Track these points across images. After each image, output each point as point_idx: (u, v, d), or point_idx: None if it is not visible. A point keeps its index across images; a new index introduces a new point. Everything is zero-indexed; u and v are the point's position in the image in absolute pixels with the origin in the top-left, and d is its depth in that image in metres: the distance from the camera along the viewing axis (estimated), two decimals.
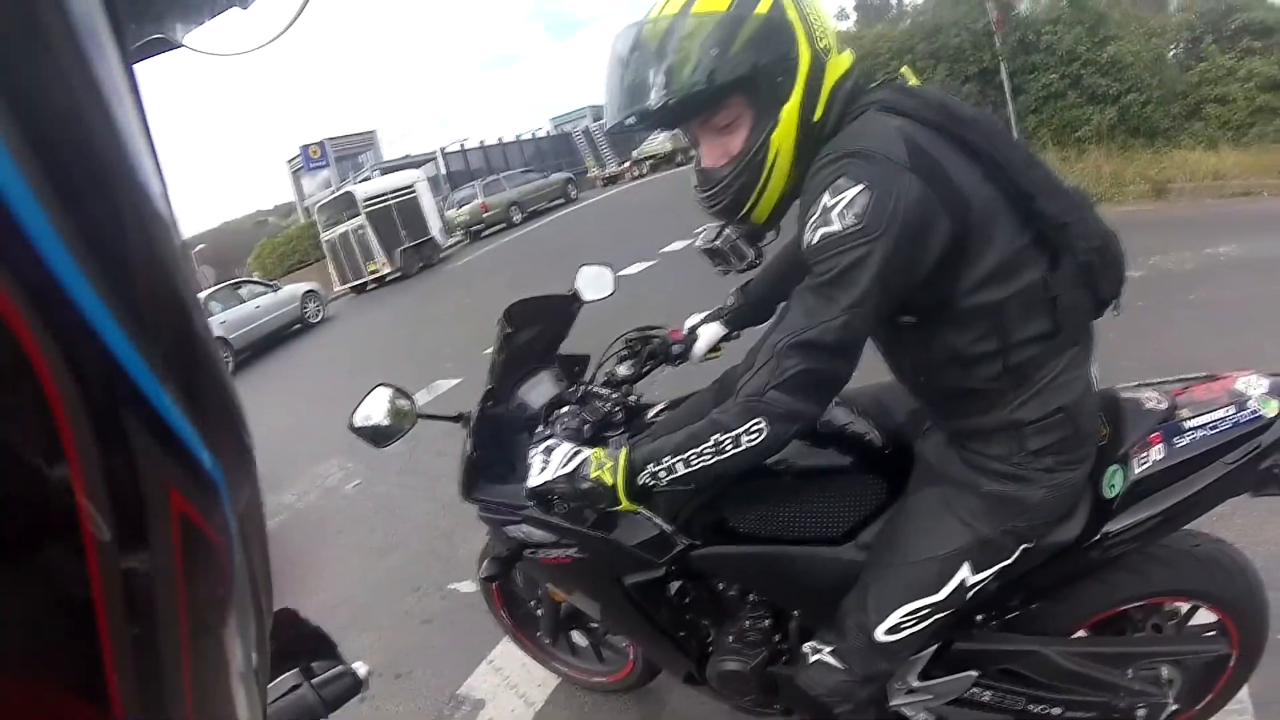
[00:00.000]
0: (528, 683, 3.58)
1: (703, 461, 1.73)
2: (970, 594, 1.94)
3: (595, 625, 3.11)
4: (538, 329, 2.58)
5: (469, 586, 4.49)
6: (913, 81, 1.86)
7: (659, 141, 35.52)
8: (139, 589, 0.33)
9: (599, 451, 1.92)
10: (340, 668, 1.21)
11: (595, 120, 43.81)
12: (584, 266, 2.74)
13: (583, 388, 2.51)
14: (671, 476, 1.78)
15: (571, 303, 2.66)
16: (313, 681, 1.17)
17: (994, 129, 1.73)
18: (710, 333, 2.68)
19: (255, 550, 0.46)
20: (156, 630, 0.35)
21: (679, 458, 1.75)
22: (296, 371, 15.68)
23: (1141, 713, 2.24)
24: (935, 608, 1.93)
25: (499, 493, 2.47)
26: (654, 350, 2.64)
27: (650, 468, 1.79)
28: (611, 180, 37.80)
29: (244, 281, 21.79)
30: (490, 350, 2.46)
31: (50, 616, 0.30)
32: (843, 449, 2.25)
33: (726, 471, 1.74)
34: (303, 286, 21.60)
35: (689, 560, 2.24)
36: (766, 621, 2.32)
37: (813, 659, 2.07)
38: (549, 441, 2.06)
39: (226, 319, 18.86)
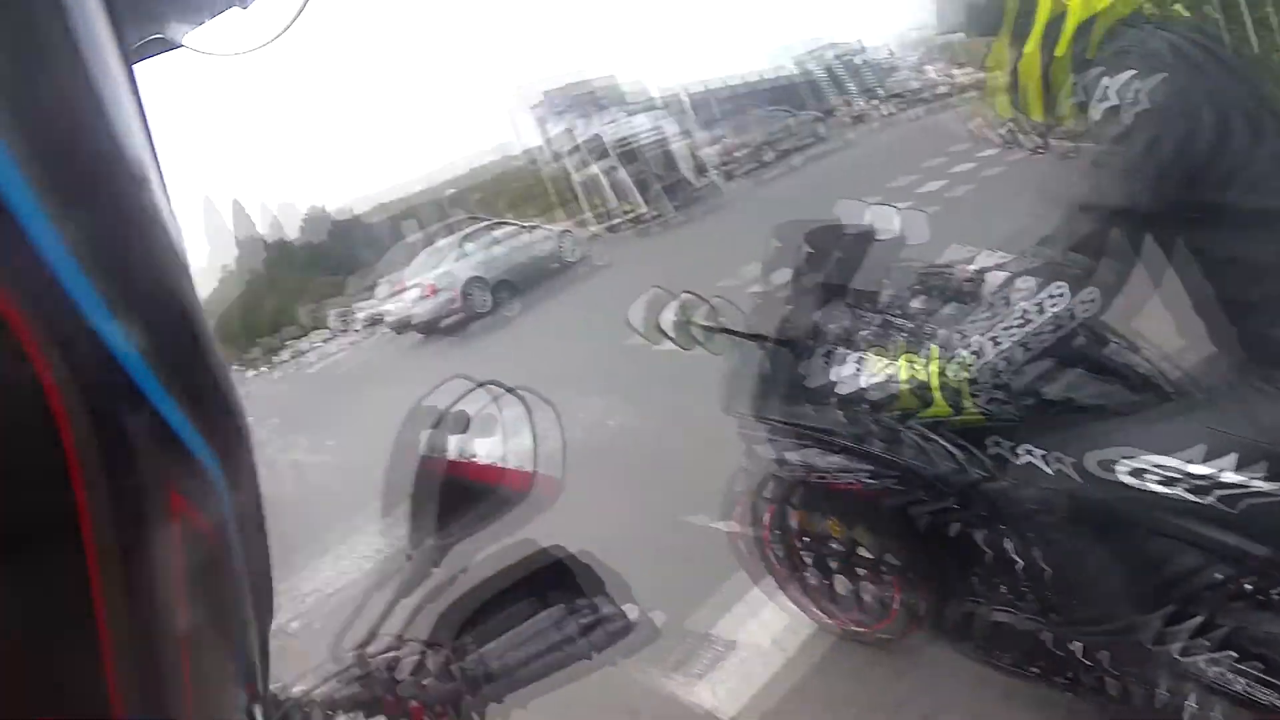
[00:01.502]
0: (782, 626, 3.54)
1: (1010, 336, 1.82)
2: (1221, 493, 1.86)
3: (861, 571, 3.06)
4: (835, 256, 2.59)
5: (731, 525, 4.38)
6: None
7: (901, 78, 34.51)
8: (139, 589, 0.33)
9: (910, 355, 2.02)
10: (611, 609, 1.22)
11: (838, 56, 42.61)
12: (873, 205, 2.74)
13: (880, 317, 2.49)
14: (982, 360, 1.87)
15: (867, 238, 2.65)
16: (584, 623, 1.19)
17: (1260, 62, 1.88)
18: (996, 280, 2.57)
19: (255, 550, 0.46)
20: (156, 630, 0.35)
21: (988, 336, 1.84)
22: (558, 308, 16.07)
23: None
24: (1184, 479, 1.88)
25: (792, 413, 2.50)
26: (945, 287, 2.59)
27: (961, 353, 1.89)
28: (860, 119, 36.96)
29: (499, 222, 22.49)
30: (778, 274, 2.53)
31: (51, 616, 0.30)
32: (1131, 385, 2.18)
33: (1035, 346, 1.82)
34: (558, 227, 22.25)
35: (979, 495, 2.22)
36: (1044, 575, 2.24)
37: (1024, 460, 2.08)
38: (859, 353, 2.13)
39: (484, 259, 19.56)
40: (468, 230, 21.72)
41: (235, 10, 0.74)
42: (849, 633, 3.25)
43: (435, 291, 18.67)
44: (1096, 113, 1.83)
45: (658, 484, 5.61)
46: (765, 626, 3.60)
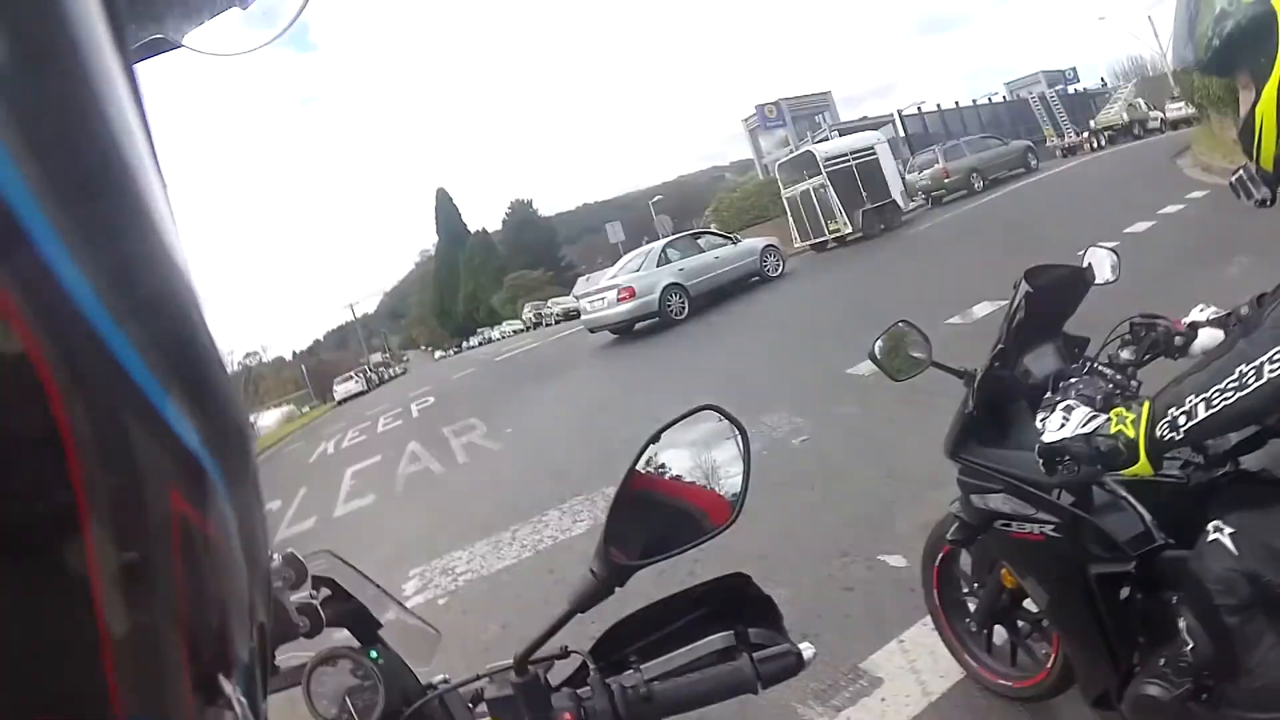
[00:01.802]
0: (931, 671, 3.48)
1: (1225, 399, 1.73)
2: None
3: (1022, 625, 3.04)
4: (1050, 297, 2.56)
5: (898, 560, 4.40)
6: None
7: (1115, 112, 33.22)
8: (139, 589, 0.33)
9: (1120, 409, 1.96)
10: (785, 645, 1.18)
11: (1050, 85, 41.31)
12: (1092, 247, 2.74)
13: (1088, 364, 2.49)
14: (1192, 422, 1.79)
15: (1083, 278, 2.64)
16: (754, 656, 1.15)
17: None
18: (1209, 337, 2.55)
19: (255, 550, 0.45)
20: (156, 630, 0.35)
21: (1201, 397, 1.77)
22: (755, 323, 16.02)
23: None
24: None
25: (987, 455, 2.50)
26: (1156, 340, 2.56)
27: (1172, 412, 1.82)
28: (1070, 151, 35.80)
29: (703, 232, 22.69)
30: (997, 307, 2.52)
31: (50, 616, 0.30)
32: None
33: (1251, 412, 1.76)
34: (761, 241, 22.06)
35: (1158, 563, 2.18)
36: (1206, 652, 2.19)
37: (1211, 539, 2.00)
38: (1068, 401, 2.09)
39: (685, 267, 19.69)
40: (672, 237, 21.92)
41: (235, 10, 0.75)
42: (996, 686, 3.20)
43: (633, 294, 18.87)
44: None
45: (831, 508, 5.58)
46: (915, 668, 3.56)
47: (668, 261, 19.98)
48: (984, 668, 3.24)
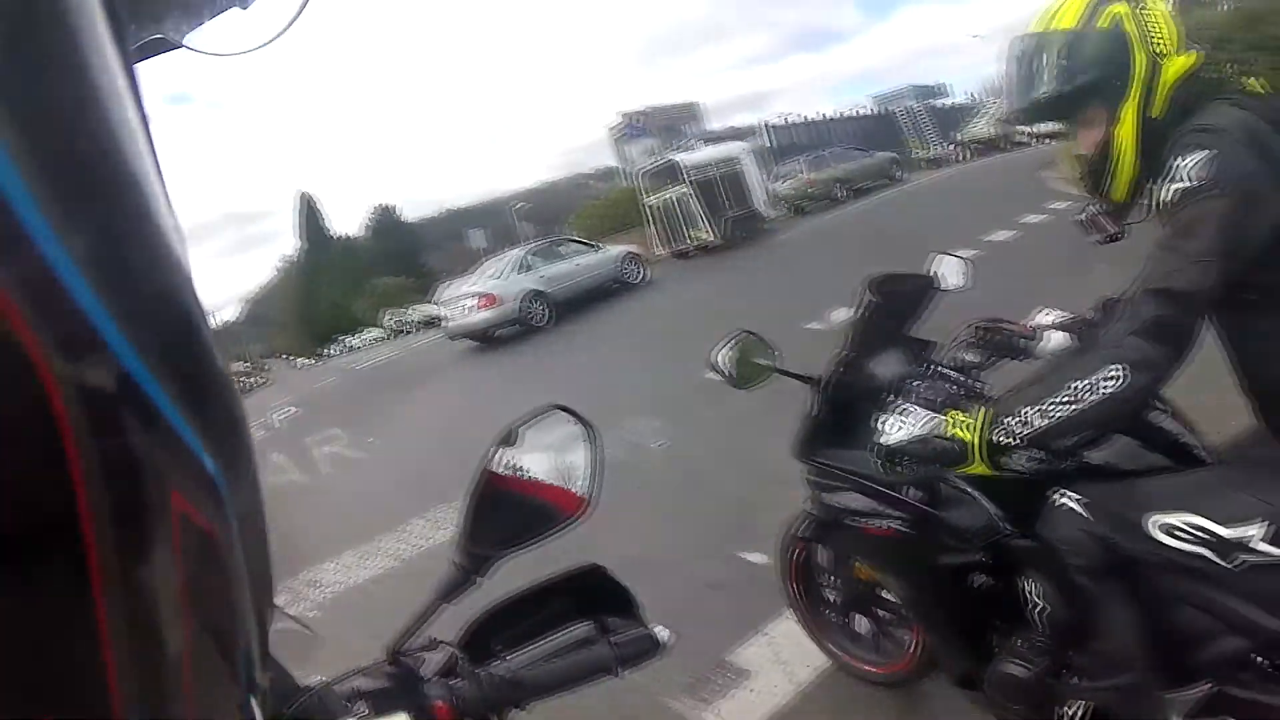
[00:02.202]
0: (799, 662, 3.56)
1: (1060, 411, 1.84)
2: (1246, 563, 1.85)
3: (882, 613, 3.13)
4: (895, 304, 2.65)
5: (759, 557, 4.41)
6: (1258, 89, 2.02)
7: (981, 126, 34.58)
8: (139, 589, 0.33)
9: (956, 412, 2.05)
10: (641, 630, 1.23)
11: (919, 100, 42.88)
12: (939, 255, 2.83)
13: (932, 367, 2.57)
14: (1028, 430, 1.90)
15: (929, 286, 2.72)
16: (611, 640, 1.20)
17: None
18: (1055, 340, 2.66)
19: (255, 550, 0.46)
20: (156, 630, 0.35)
21: (1037, 408, 1.88)
22: (617, 330, 16.18)
23: None
24: (1214, 542, 1.88)
25: (835, 456, 2.59)
26: (1001, 343, 2.66)
27: (1007, 421, 1.92)
28: (935, 163, 37.07)
29: (565, 239, 22.73)
30: (847, 315, 2.60)
31: (51, 617, 0.30)
32: (1173, 457, 2.21)
33: (1084, 423, 1.86)
34: (624, 248, 22.21)
35: (1005, 551, 2.25)
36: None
37: (1059, 503, 2.09)
38: (905, 405, 2.18)
39: (546, 274, 19.71)
40: (533, 245, 21.94)
41: (235, 10, 0.75)
42: (862, 672, 3.28)
43: (494, 301, 18.81)
44: (1167, 193, 1.86)
45: (691, 509, 5.69)
46: (780, 659, 3.65)
47: (529, 268, 19.98)
48: (849, 655, 3.31)
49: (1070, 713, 2.23)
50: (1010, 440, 1.93)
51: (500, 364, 16.73)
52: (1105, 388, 1.79)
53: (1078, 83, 2.07)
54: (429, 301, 23.71)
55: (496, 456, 1.17)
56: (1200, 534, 1.89)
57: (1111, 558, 2.04)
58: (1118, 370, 1.78)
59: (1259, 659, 1.99)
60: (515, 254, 21.20)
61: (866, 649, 3.26)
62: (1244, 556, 1.84)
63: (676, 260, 24.75)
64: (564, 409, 1.23)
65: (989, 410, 1.99)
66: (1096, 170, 2.12)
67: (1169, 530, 1.93)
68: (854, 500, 2.52)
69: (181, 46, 0.73)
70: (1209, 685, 2.03)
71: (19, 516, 0.28)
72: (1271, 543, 1.81)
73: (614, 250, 21.90)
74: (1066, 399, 1.83)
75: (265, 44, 0.77)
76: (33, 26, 0.31)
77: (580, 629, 1.22)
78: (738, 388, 2.73)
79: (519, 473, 1.18)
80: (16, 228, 0.28)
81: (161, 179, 0.40)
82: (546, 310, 19.05)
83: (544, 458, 1.20)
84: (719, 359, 2.69)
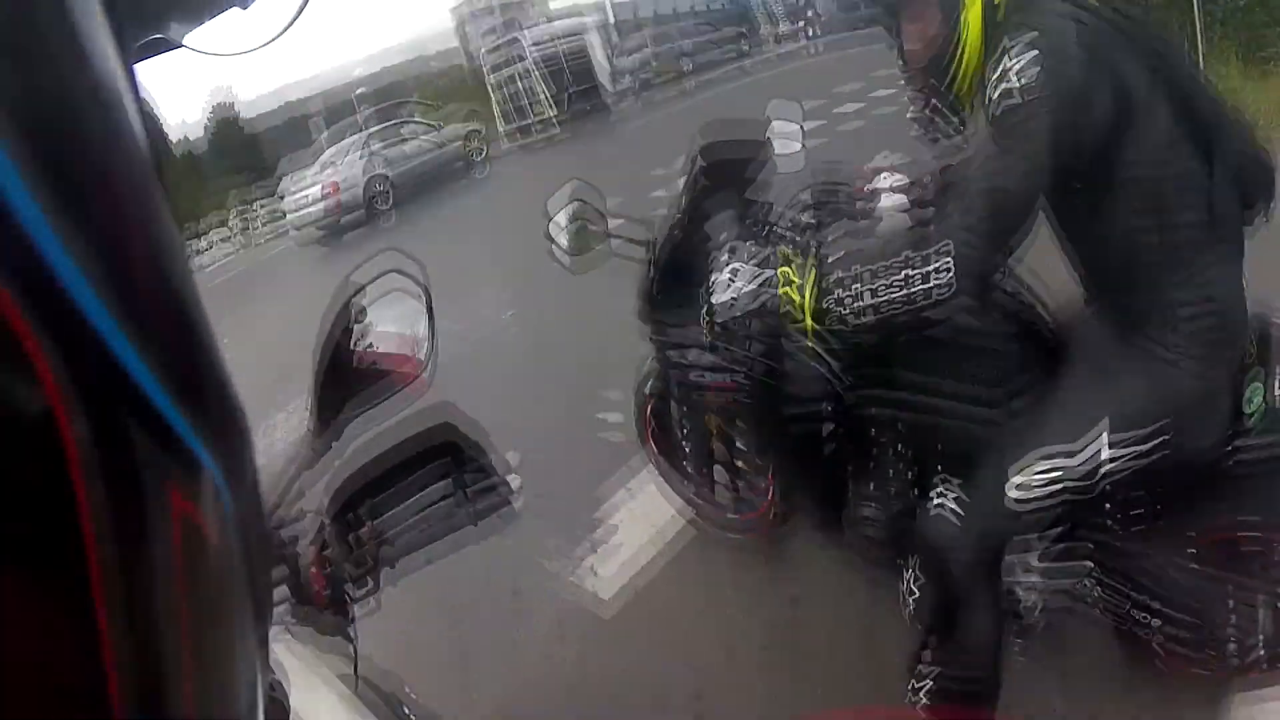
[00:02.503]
0: (663, 514, 3.63)
1: (889, 294, 1.87)
2: (1102, 472, 1.94)
3: (739, 464, 3.17)
4: (728, 169, 2.62)
5: (616, 417, 4.48)
6: None
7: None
8: (139, 589, 0.32)
9: (785, 269, 2.04)
10: (493, 479, 1.28)
11: None
12: (774, 120, 2.76)
13: (768, 228, 2.53)
14: (857, 304, 1.91)
15: (761, 150, 2.68)
16: (467, 491, 1.25)
17: (1159, 34, 1.99)
18: (891, 202, 2.62)
19: (255, 550, 0.46)
20: (156, 630, 0.34)
21: (867, 286, 1.89)
22: (463, 217, 16.00)
23: (1232, 648, 2.18)
24: (1067, 473, 1.95)
25: (676, 315, 2.60)
26: (838, 206, 2.63)
27: (838, 292, 1.94)
28: (783, 38, 37.05)
29: (406, 121, 22.23)
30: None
31: (50, 617, 0.29)
32: (1010, 317, 2.27)
33: (911, 309, 1.87)
34: (467, 126, 22.00)
35: (847, 403, 2.31)
36: (910, 474, 2.35)
37: (934, 509, 2.13)
38: (737, 264, 2.15)
39: (388, 156, 19.45)
40: (373, 129, 21.44)
41: (235, 10, 0.74)
42: (724, 522, 3.35)
43: (337, 189, 18.44)
44: (996, 92, 1.86)
45: (549, 376, 5.74)
46: (646, 515, 3.72)
47: (371, 154, 19.58)
48: (710, 505, 3.38)
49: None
50: (840, 310, 1.95)
51: (349, 260, 16.21)
52: (935, 280, 1.82)
53: None
54: (274, 198, 22.90)
55: (337, 327, 1.19)
56: (1055, 474, 1.96)
57: (987, 555, 2.09)
58: (949, 266, 1.81)
59: (1108, 505, 2.13)
60: (357, 139, 20.76)
61: (725, 499, 3.33)
62: (1101, 469, 1.94)
63: (521, 137, 24.51)
64: (400, 271, 1.24)
65: (823, 273, 1.99)
66: (939, 60, 2.07)
67: (1025, 489, 1.99)
68: (697, 357, 2.58)
69: (181, 46, 0.72)
70: (1060, 530, 2.16)
71: (19, 517, 0.28)
72: (1115, 445, 1.91)
73: (455, 129, 21.70)
74: (898, 284, 1.86)
75: (265, 44, 0.77)
76: (33, 26, 0.31)
77: (437, 486, 1.26)
78: (574, 269, 2.75)
79: (359, 342, 1.20)
80: (16, 228, 0.27)
81: (163, 179, 0.40)
82: (390, 193, 18.80)
83: (382, 325, 1.22)
84: (556, 218, 2.70)
